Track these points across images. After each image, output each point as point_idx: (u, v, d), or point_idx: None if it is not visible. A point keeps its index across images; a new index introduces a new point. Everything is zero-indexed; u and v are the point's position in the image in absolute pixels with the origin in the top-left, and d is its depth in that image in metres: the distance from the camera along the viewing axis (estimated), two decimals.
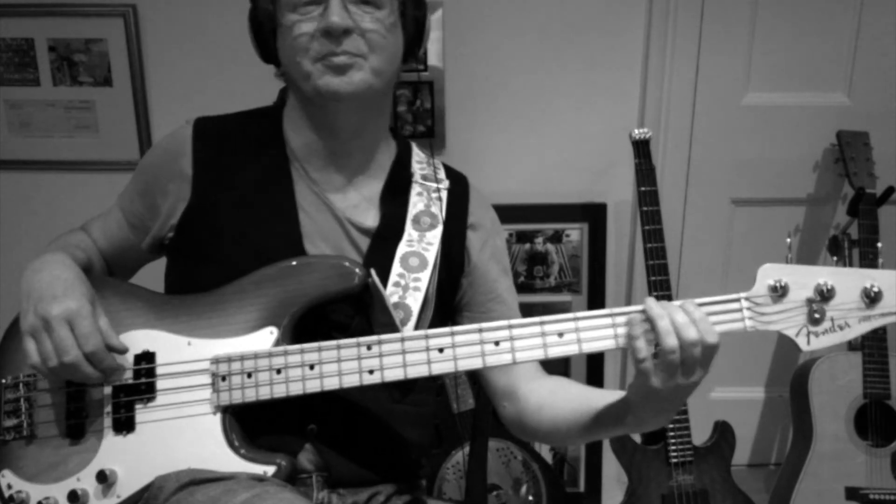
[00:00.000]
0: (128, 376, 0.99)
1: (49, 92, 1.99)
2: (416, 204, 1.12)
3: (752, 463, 2.33)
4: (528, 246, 2.10)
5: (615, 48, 1.99)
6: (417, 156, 1.18)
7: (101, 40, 1.95)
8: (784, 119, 2.05)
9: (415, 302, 1.04)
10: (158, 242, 1.12)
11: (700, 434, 1.88)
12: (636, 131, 1.85)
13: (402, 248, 1.07)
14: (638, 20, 1.98)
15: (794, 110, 2.05)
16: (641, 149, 1.84)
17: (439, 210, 1.12)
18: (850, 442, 1.83)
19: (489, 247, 1.16)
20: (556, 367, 0.96)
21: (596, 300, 2.13)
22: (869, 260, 1.83)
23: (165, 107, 2.01)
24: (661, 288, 1.77)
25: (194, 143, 1.08)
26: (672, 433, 1.82)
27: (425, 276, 1.06)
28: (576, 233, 2.10)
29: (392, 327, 1.00)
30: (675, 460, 1.82)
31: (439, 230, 1.10)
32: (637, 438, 1.88)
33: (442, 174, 1.17)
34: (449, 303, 1.15)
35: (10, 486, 1.00)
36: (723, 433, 1.88)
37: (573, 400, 1.04)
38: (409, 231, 1.09)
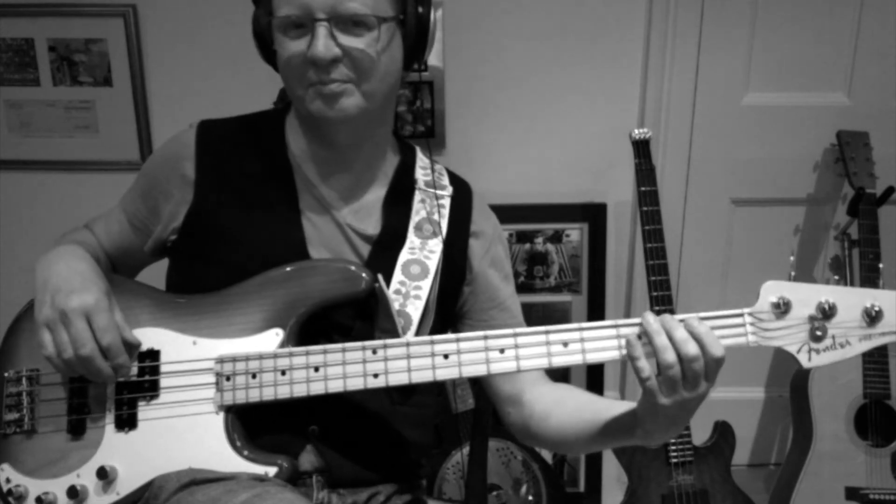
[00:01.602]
0: (132, 373, 0.99)
1: (49, 92, 1.99)
2: (418, 211, 1.11)
3: (752, 463, 2.33)
4: (528, 246, 2.10)
5: (615, 48, 1.99)
6: (421, 161, 1.17)
7: (101, 40, 1.95)
8: (784, 119, 2.05)
9: (415, 310, 1.04)
10: (161, 245, 1.12)
11: (700, 434, 1.88)
12: (636, 131, 1.85)
13: (403, 256, 1.07)
14: (638, 20, 1.98)
15: (794, 110, 2.05)
16: (641, 149, 1.84)
17: (442, 218, 1.11)
18: (850, 442, 1.83)
19: (491, 254, 1.16)
20: (556, 370, 0.96)
21: (596, 300, 2.13)
22: (869, 260, 1.83)
23: (165, 107, 2.01)
24: (662, 288, 1.77)
25: (198, 147, 1.08)
26: None
27: (426, 285, 1.06)
28: (576, 233, 2.10)
29: (394, 333, 1.00)
30: (675, 460, 1.82)
31: (441, 238, 1.10)
32: None
33: (445, 181, 1.16)
34: (450, 310, 1.14)
35: (8, 481, 0.99)
36: (723, 433, 1.88)
37: (581, 410, 1.04)
38: (412, 238, 1.09)
